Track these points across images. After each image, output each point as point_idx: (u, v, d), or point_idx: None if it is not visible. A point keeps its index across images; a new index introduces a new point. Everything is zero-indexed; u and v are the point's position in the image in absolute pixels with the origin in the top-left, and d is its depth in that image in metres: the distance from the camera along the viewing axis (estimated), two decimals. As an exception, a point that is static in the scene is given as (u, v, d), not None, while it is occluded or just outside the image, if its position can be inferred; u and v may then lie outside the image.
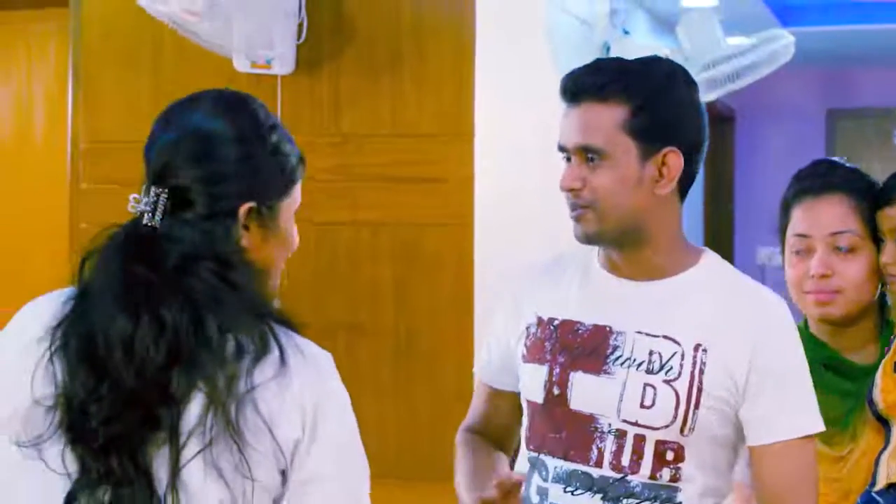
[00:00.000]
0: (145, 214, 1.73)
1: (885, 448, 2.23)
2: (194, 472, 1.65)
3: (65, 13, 4.42)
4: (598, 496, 2.08)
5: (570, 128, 2.09)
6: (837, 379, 2.38)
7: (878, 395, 2.25)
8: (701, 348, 2.07)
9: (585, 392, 2.09)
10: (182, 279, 1.69)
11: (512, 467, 2.18)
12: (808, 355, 2.35)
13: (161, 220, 1.73)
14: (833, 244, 2.36)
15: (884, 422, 2.25)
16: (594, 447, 2.08)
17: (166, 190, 1.73)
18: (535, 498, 2.12)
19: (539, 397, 2.14)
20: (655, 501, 2.06)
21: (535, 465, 2.15)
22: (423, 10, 4.05)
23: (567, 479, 2.09)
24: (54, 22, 4.80)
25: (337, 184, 4.06)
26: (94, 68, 4.33)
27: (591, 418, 2.09)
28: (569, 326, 2.14)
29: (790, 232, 2.42)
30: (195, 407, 1.65)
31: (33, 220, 4.94)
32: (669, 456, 2.06)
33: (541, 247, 3.10)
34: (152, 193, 1.74)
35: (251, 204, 1.76)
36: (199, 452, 1.64)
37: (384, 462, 3.89)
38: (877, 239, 2.37)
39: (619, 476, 2.07)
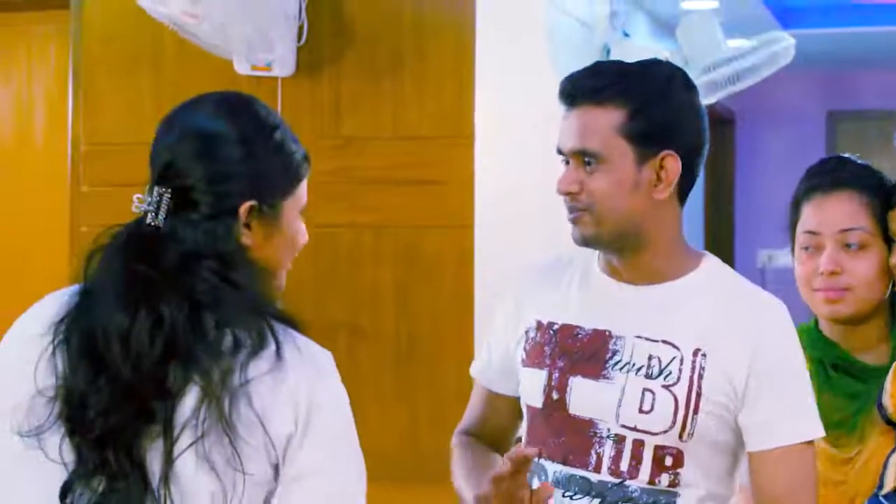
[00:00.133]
0: (148, 214, 1.76)
1: (893, 451, 2.20)
2: (187, 464, 1.67)
3: (65, 15, 4.42)
4: (597, 501, 2.07)
5: (568, 131, 2.09)
6: (847, 380, 2.35)
7: (887, 399, 2.23)
8: (700, 353, 2.06)
9: (584, 397, 2.09)
10: (183, 277, 1.72)
11: None
12: (817, 355, 2.35)
13: (164, 219, 1.75)
14: (843, 241, 2.33)
15: (894, 426, 2.24)
16: (593, 452, 2.08)
17: (169, 190, 1.76)
18: (534, 502, 2.12)
19: (538, 402, 2.14)
20: (654, 506, 2.06)
21: (534, 469, 2.14)
22: (423, 13, 4.05)
23: (566, 484, 2.09)
24: (55, 24, 4.79)
25: (337, 186, 4.06)
26: (95, 71, 4.33)
27: (589, 423, 2.09)
28: (568, 331, 2.14)
29: (800, 229, 2.39)
30: (190, 400, 1.68)
31: (33, 223, 4.93)
32: (668, 461, 2.06)
33: (541, 248, 3.09)
34: (155, 193, 1.77)
35: (252, 202, 1.78)
36: (191, 445, 1.66)
37: (385, 464, 3.89)
38: (888, 238, 2.34)
39: (617, 481, 2.06)
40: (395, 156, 4.06)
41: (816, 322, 2.43)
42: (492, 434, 2.31)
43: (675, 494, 2.06)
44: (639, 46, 3.84)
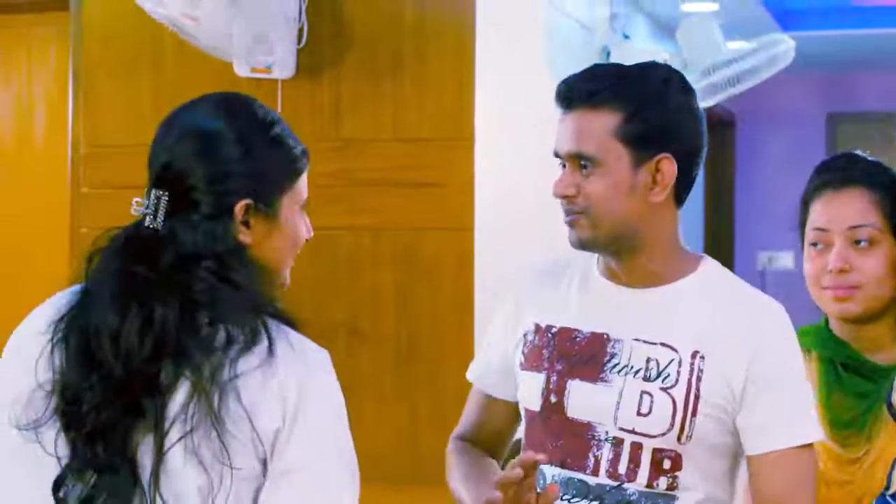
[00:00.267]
0: (147, 217, 1.78)
1: None
2: (176, 458, 1.69)
3: (65, 17, 4.42)
4: (594, 504, 2.07)
5: (564, 134, 2.10)
6: (856, 379, 2.31)
7: None
8: (699, 355, 2.06)
9: (582, 400, 2.09)
10: (180, 278, 1.74)
11: None
12: (827, 354, 2.33)
13: (163, 222, 1.77)
14: (852, 238, 2.29)
15: None
16: (591, 455, 2.08)
17: (166, 192, 1.78)
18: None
19: (536, 405, 2.14)
20: (652, 510, 2.05)
21: (531, 473, 2.14)
22: (423, 15, 4.05)
23: (563, 488, 2.09)
24: (55, 26, 4.79)
25: (337, 188, 4.05)
26: (95, 72, 4.33)
27: (588, 426, 2.09)
28: (567, 334, 2.14)
29: (809, 226, 2.35)
30: (181, 395, 1.70)
31: (33, 224, 4.93)
32: (667, 464, 2.05)
33: (541, 250, 3.10)
34: (153, 196, 1.79)
35: (247, 201, 1.79)
36: (180, 439, 1.68)
37: (384, 465, 3.90)
38: None
39: (615, 484, 2.06)
40: (394, 158, 4.06)
41: (827, 321, 2.39)
42: (488, 440, 2.30)
43: (674, 498, 2.06)
44: (639, 49, 3.84)
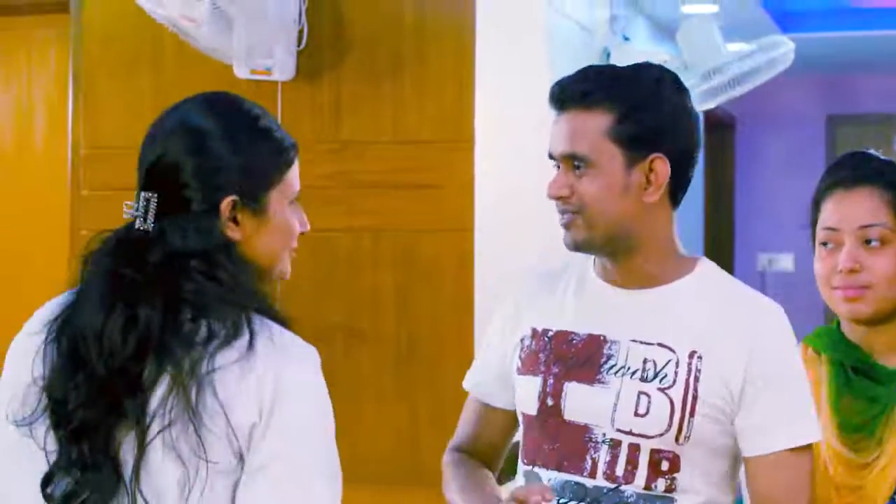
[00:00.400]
0: (137, 219, 1.80)
1: None
2: (155, 452, 1.71)
3: (65, 19, 4.42)
4: (591, 507, 2.07)
5: (557, 135, 2.10)
6: (867, 383, 2.28)
7: None
8: (696, 356, 2.06)
9: (579, 402, 2.09)
10: (167, 277, 1.75)
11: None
12: (838, 357, 2.30)
13: (153, 223, 1.79)
14: (862, 237, 2.26)
15: None
16: (588, 457, 2.07)
17: (155, 193, 1.79)
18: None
19: (533, 409, 2.14)
20: (650, 512, 2.05)
21: (528, 478, 2.13)
22: (423, 16, 4.05)
23: (560, 491, 2.08)
24: (55, 28, 4.79)
25: (336, 190, 4.05)
26: (95, 75, 4.33)
27: (585, 428, 2.08)
28: (563, 337, 2.14)
29: (820, 225, 2.32)
30: (161, 390, 1.71)
31: (33, 226, 4.93)
32: (664, 466, 2.05)
33: (541, 252, 3.10)
34: (142, 199, 1.80)
35: (233, 197, 1.80)
36: (159, 433, 1.70)
37: (384, 467, 3.90)
38: None
39: (612, 486, 2.05)
40: (394, 160, 4.06)
41: (838, 323, 2.36)
42: (484, 450, 2.30)
43: (672, 500, 2.05)
44: (639, 50, 3.84)
